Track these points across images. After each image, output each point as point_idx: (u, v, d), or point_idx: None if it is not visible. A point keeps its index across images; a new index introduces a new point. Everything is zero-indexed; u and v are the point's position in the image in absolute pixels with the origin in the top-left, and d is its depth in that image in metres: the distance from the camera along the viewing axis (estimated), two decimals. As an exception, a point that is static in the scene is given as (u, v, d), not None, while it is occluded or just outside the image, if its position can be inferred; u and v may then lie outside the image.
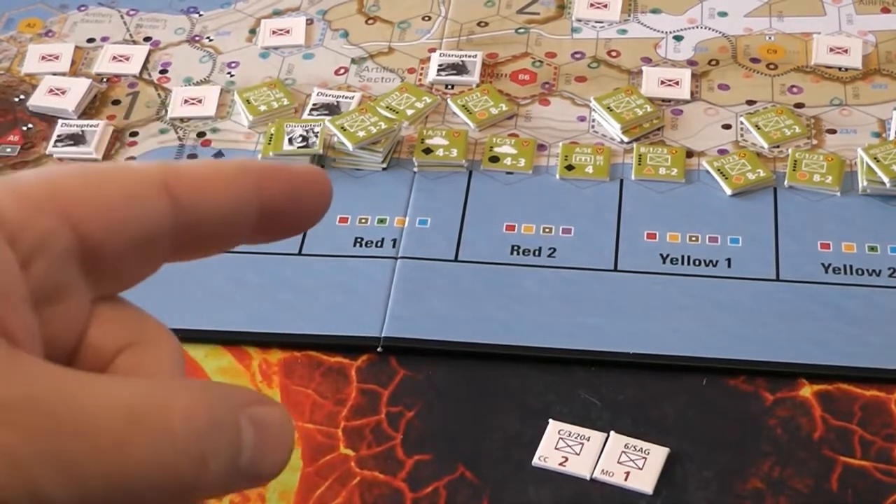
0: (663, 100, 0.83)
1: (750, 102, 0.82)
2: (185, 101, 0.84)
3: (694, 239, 0.73)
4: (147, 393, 0.28)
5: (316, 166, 0.34)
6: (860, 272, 0.71)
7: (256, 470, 0.30)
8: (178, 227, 0.31)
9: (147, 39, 0.89)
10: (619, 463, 0.62)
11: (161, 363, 0.32)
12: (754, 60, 0.85)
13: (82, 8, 0.93)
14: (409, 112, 0.81)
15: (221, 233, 0.32)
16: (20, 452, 0.26)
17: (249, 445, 0.29)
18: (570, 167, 0.78)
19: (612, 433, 0.63)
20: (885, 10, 0.89)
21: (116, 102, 0.84)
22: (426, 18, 0.90)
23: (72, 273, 0.30)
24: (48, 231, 0.29)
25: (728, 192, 0.76)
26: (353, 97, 0.83)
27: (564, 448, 0.63)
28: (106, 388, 0.28)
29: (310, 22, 0.90)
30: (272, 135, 0.79)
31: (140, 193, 0.30)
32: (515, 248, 0.73)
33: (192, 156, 0.80)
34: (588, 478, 0.62)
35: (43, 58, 0.88)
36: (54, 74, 0.86)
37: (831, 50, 0.86)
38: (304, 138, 0.78)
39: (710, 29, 0.88)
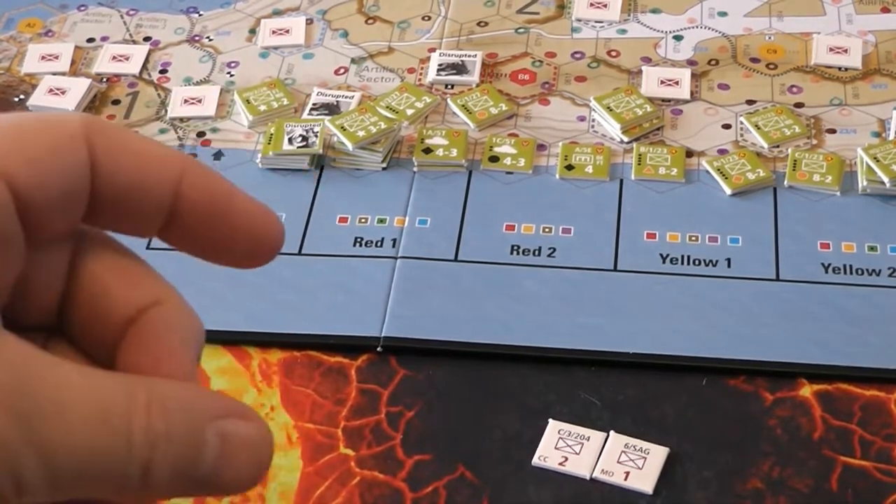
0: (663, 99, 0.83)
1: (750, 102, 0.82)
2: (185, 101, 0.84)
3: (694, 239, 0.73)
4: (121, 392, 0.29)
5: (273, 213, 0.34)
6: (860, 272, 0.71)
7: (217, 482, 0.30)
8: (95, 183, 0.31)
9: (147, 39, 0.89)
10: (618, 463, 0.62)
11: (179, 329, 0.32)
12: (754, 60, 0.85)
13: (82, 8, 0.93)
14: (409, 112, 0.81)
15: (133, 203, 0.32)
16: (8, 437, 0.27)
17: (211, 458, 0.30)
18: (569, 167, 0.78)
19: (611, 433, 0.63)
20: (885, 10, 0.89)
21: (116, 102, 0.84)
22: (426, 18, 0.90)
23: (14, 226, 0.30)
24: None
25: (728, 191, 0.76)
26: (352, 97, 0.83)
27: (564, 448, 0.63)
28: (89, 381, 0.29)
29: (309, 22, 0.90)
30: (272, 134, 0.79)
31: (62, 145, 0.31)
32: (515, 247, 0.73)
33: (192, 155, 0.80)
34: (588, 477, 0.62)
35: (43, 58, 0.88)
36: (54, 74, 0.86)
37: (831, 50, 0.86)
38: (304, 138, 0.78)
39: (709, 29, 0.88)
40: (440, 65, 0.85)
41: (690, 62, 0.85)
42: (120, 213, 0.32)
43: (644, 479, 0.62)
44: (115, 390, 0.29)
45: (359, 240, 0.74)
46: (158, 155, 0.32)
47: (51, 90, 0.84)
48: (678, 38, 0.87)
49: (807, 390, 0.66)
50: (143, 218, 0.32)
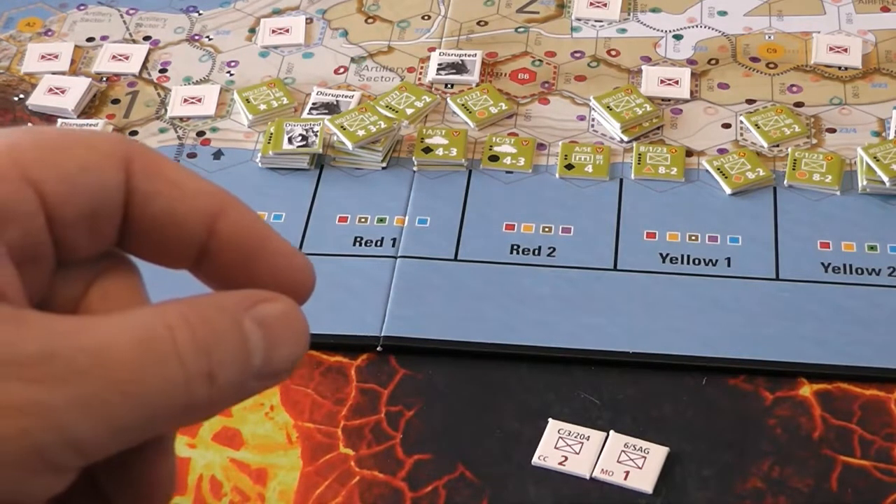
0: (663, 99, 0.82)
1: (749, 101, 0.82)
2: (185, 101, 0.84)
3: (694, 238, 0.73)
4: (148, 321, 0.29)
5: (306, 259, 0.34)
6: (860, 272, 0.71)
7: (272, 369, 0.30)
8: (128, 207, 0.31)
9: (147, 38, 0.89)
10: (618, 462, 0.62)
11: (127, 286, 0.32)
12: (754, 59, 0.85)
13: (82, 7, 0.93)
14: (409, 111, 0.81)
15: (165, 233, 0.32)
16: (49, 404, 0.27)
17: (259, 347, 0.30)
18: (569, 166, 0.78)
19: (611, 432, 0.63)
20: (885, 9, 0.89)
21: (116, 101, 0.84)
22: (426, 17, 0.90)
23: (41, 234, 0.30)
24: (15, 196, 0.29)
25: (728, 191, 0.76)
26: (352, 96, 0.83)
27: (564, 447, 0.63)
28: (110, 325, 0.29)
29: (309, 21, 0.90)
30: (272, 134, 0.79)
31: (97, 163, 0.31)
32: (515, 247, 0.73)
33: (192, 155, 0.80)
34: (588, 477, 0.62)
35: (42, 57, 0.88)
36: (54, 73, 0.86)
37: (831, 49, 0.86)
38: (304, 137, 0.78)
39: (709, 28, 0.88)
40: (440, 64, 0.85)
41: (690, 61, 0.85)
42: (152, 241, 0.32)
43: (644, 479, 0.62)
44: (148, 318, 0.29)
45: (359, 239, 0.74)
46: (197, 188, 0.32)
47: (50, 89, 0.84)
48: (678, 37, 0.87)
49: (807, 390, 0.66)
50: (174, 249, 0.32)
